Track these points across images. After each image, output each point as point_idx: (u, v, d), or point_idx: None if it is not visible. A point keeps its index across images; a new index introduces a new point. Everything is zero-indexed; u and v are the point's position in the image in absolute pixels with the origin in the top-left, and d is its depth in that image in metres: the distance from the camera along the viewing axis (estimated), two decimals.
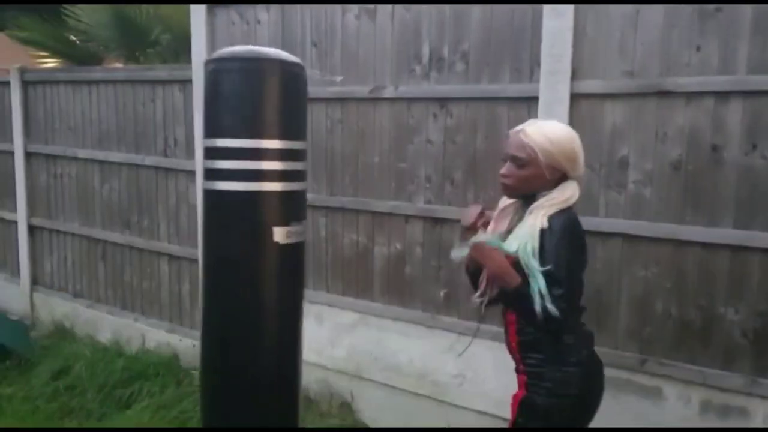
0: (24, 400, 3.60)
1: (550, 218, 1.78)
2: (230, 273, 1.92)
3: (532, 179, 1.84)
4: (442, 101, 2.92)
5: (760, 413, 2.33)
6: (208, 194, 1.93)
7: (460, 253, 1.95)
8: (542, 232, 1.76)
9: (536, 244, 1.75)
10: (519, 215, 1.92)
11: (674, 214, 2.44)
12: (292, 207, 1.92)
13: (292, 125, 1.92)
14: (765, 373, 2.33)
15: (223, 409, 1.98)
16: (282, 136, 1.87)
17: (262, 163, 1.85)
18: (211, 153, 1.90)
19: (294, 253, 1.94)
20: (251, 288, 1.91)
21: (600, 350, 2.58)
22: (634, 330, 2.55)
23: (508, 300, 1.85)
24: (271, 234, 1.86)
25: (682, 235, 2.42)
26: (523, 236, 1.78)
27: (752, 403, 2.35)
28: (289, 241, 1.89)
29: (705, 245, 2.39)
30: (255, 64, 1.86)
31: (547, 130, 1.85)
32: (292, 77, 1.91)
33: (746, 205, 2.31)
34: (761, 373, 2.33)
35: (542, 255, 1.74)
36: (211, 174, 1.90)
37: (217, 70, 1.88)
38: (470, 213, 1.98)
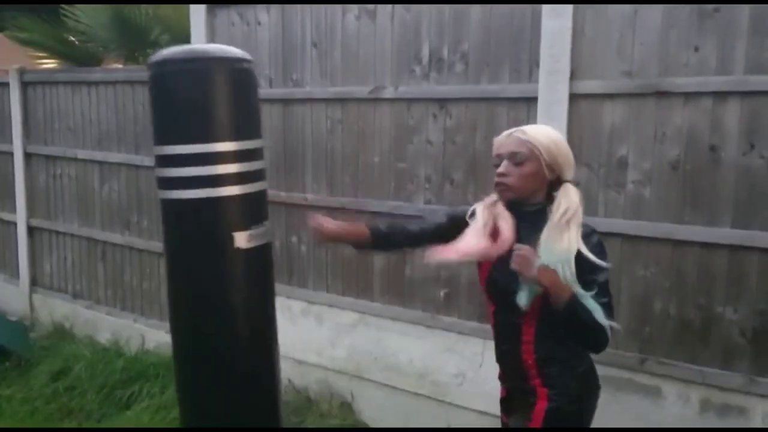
0: (23, 401, 3.60)
1: (584, 238, 1.70)
2: (194, 282, 1.87)
3: (532, 177, 1.75)
4: (442, 101, 2.93)
5: (759, 412, 2.34)
6: (165, 203, 1.86)
7: (528, 297, 1.72)
8: (578, 259, 1.68)
9: (573, 269, 1.66)
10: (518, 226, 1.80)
11: (673, 213, 2.45)
12: (252, 210, 1.86)
13: (245, 124, 1.85)
14: (763, 372, 2.34)
15: (201, 415, 1.95)
16: (235, 137, 1.80)
17: (216, 168, 1.77)
18: (163, 161, 1.82)
19: (259, 255, 1.89)
20: (217, 296, 1.86)
21: None
22: (633, 329, 2.56)
23: (567, 316, 1.67)
24: (232, 240, 1.81)
25: (680, 235, 2.43)
26: (559, 256, 1.67)
27: (751, 402, 2.36)
28: (251, 245, 1.84)
29: (704, 245, 2.40)
30: (199, 64, 1.77)
31: (547, 130, 1.81)
32: (239, 73, 1.83)
33: (745, 204, 2.32)
34: (760, 372, 2.34)
35: (582, 277, 1.67)
36: (164, 183, 1.83)
37: (160, 73, 1.81)
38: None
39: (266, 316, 1.97)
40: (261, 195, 1.90)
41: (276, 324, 2.01)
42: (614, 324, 1.70)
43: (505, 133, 1.82)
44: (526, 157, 1.75)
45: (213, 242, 1.82)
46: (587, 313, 1.66)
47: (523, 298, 1.72)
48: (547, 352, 1.78)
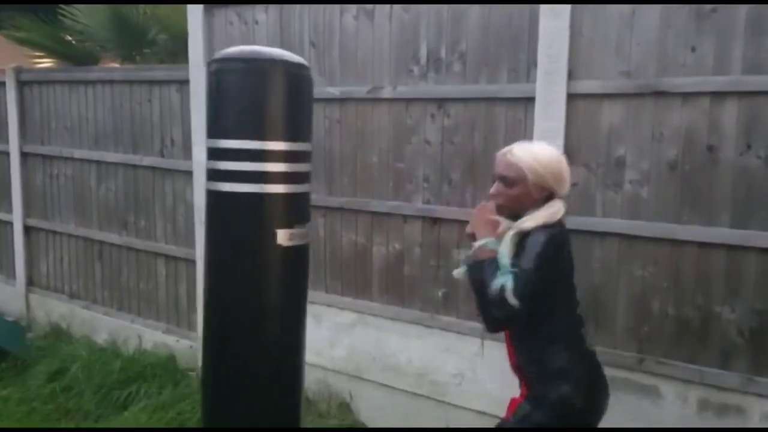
0: (20, 402, 3.59)
1: (532, 230, 1.80)
2: (232, 275, 1.92)
3: (520, 198, 1.87)
4: (440, 101, 2.93)
5: (757, 411, 2.35)
6: (212, 195, 1.92)
7: (461, 272, 1.95)
8: (522, 242, 1.80)
9: (511, 249, 1.80)
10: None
11: (671, 213, 2.46)
12: (295, 209, 1.92)
13: (297, 126, 1.91)
14: (761, 371, 2.34)
15: (225, 411, 1.97)
16: (286, 138, 1.87)
17: (265, 165, 1.84)
18: (214, 154, 1.89)
19: (297, 255, 1.94)
20: (253, 290, 1.91)
21: (598, 349, 2.59)
22: (631, 329, 2.56)
23: (473, 269, 1.85)
24: (274, 236, 1.85)
25: (678, 235, 2.44)
26: (503, 250, 1.81)
27: (749, 402, 2.36)
28: (292, 243, 1.89)
29: (701, 245, 2.41)
30: (259, 65, 1.84)
31: (535, 150, 1.89)
32: (296, 78, 1.90)
33: (742, 204, 2.33)
34: (758, 372, 2.35)
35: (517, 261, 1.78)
36: (214, 175, 1.89)
37: (220, 70, 1.87)
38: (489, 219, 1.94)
39: (297, 316, 2.01)
40: (305, 197, 1.96)
41: (305, 326, 2.05)
42: (511, 300, 1.72)
43: (502, 151, 1.93)
44: (513, 180, 1.87)
45: (256, 236, 1.87)
46: (486, 274, 1.78)
47: (457, 272, 1.96)
48: (526, 358, 1.90)
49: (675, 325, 2.48)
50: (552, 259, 1.79)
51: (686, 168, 2.42)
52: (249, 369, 1.93)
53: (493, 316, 1.77)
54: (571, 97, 2.59)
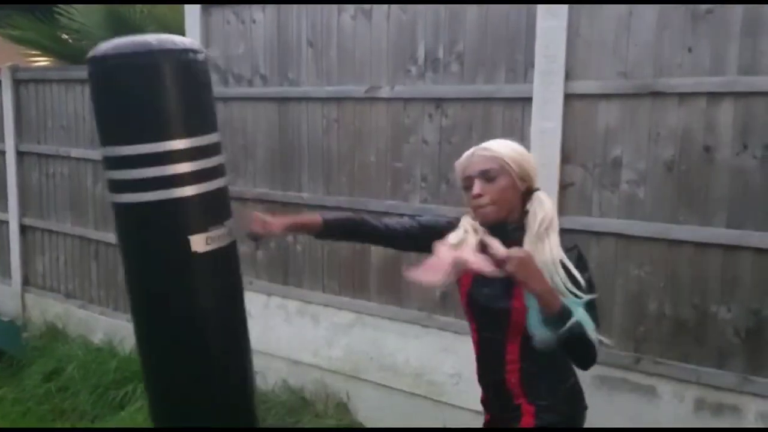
0: (15, 402, 3.58)
1: (566, 252, 1.63)
2: (154, 290, 1.77)
3: (507, 191, 1.67)
4: (438, 101, 2.93)
5: (753, 411, 2.36)
6: (115, 208, 1.75)
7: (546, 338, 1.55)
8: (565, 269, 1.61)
9: (563, 275, 1.59)
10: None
11: (667, 213, 2.46)
12: (210, 209, 1.73)
13: (198, 118, 1.71)
14: (757, 371, 2.35)
15: (176, 422, 1.87)
16: (187, 134, 1.66)
17: (167, 168, 1.64)
18: (109, 163, 1.70)
19: (220, 257, 1.75)
20: (179, 303, 1.75)
21: None
22: (628, 329, 2.57)
23: (574, 328, 1.53)
24: (188, 244, 1.68)
25: (675, 235, 2.45)
26: (544, 266, 1.58)
27: (744, 401, 2.37)
28: (210, 248, 1.71)
29: (698, 245, 2.42)
30: (142, 58, 1.62)
31: (507, 143, 1.73)
32: (189, 65, 1.68)
33: (738, 204, 2.34)
34: (754, 372, 2.36)
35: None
36: (114, 186, 1.71)
37: (100, 69, 1.66)
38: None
39: (235, 319, 1.85)
40: (220, 193, 1.76)
41: (247, 326, 1.91)
42: (603, 338, 1.62)
43: (466, 154, 1.74)
44: (497, 172, 1.67)
45: (168, 247, 1.70)
46: (579, 325, 1.53)
47: (536, 326, 1.55)
48: (532, 370, 1.69)
49: (671, 325, 2.49)
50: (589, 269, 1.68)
51: (683, 168, 2.42)
52: (194, 378, 1.79)
53: (594, 359, 1.61)
54: (568, 98, 2.59)
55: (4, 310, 4.83)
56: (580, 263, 1.66)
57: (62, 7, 5.39)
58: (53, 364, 3.89)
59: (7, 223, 4.86)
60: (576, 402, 1.78)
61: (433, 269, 1.57)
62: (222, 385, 1.84)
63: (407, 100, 3.02)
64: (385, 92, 3.06)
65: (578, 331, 1.53)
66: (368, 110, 3.14)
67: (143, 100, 1.64)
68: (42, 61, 6.01)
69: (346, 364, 3.31)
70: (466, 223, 1.74)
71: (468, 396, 2.95)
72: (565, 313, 1.51)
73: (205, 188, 1.70)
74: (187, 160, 1.66)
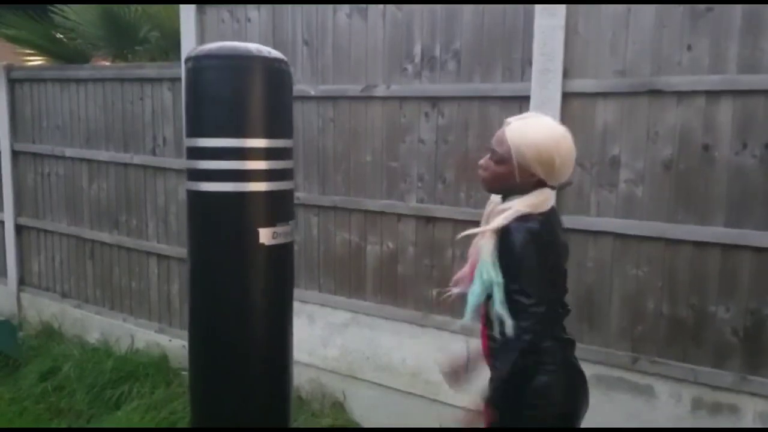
0: (12, 401, 3.56)
1: (508, 227, 1.65)
2: (216, 275, 1.89)
3: (503, 177, 1.72)
4: (434, 100, 2.91)
5: (750, 410, 2.35)
6: (192, 195, 1.89)
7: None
8: (501, 241, 1.66)
9: (490, 271, 1.66)
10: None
11: (665, 212, 2.45)
12: (278, 207, 1.89)
13: (277, 123, 1.88)
14: (755, 370, 2.34)
15: (214, 410, 1.96)
16: (267, 135, 1.83)
17: (246, 163, 1.81)
18: (194, 153, 1.86)
19: (281, 254, 1.91)
20: (237, 290, 1.89)
21: (591, 348, 2.59)
22: (625, 328, 2.56)
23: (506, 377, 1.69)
24: (256, 235, 1.83)
25: (673, 234, 2.44)
26: (483, 254, 1.68)
27: (742, 401, 2.36)
28: (275, 242, 1.86)
29: (696, 244, 2.41)
30: (238, 61, 1.81)
31: (530, 130, 1.69)
32: (276, 74, 1.86)
33: (737, 203, 2.33)
34: (751, 371, 2.35)
35: (505, 269, 1.65)
36: (194, 174, 1.86)
37: (198, 67, 1.83)
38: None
39: (283, 314, 1.99)
40: (287, 194, 1.93)
41: (292, 324, 2.02)
42: (507, 320, 1.64)
43: (506, 120, 1.76)
44: (501, 158, 1.71)
45: (238, 236, 1.84)
46: (500, 381, 1.69)
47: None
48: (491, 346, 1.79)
49: (669, 325, 2.48)
50: (534, 255, 1.64)
51: (681, 167, 2.41)
52: (236, 368, 1.92)
53: (515, 347, 1.65)
54: (566, 96, 2.58)
55: None
56: (518, 241, 1.65)
57: (56, 6, 5.36)
58: (49, 363, 3.87)
59: (2, 222, 4.84)
60: (547, 394, 1.71)
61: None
62: (262, 373, 1.95)
63: (403, 99, 3.00)
64: (380, 91, 3.05)
65: (503, 384, 1.69)
66: (364, 109, 3.12)
67: (231, 99, 1.80)
68: (36, 61, 5.98)
69: (342, 363, 3.29)
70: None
71: (464, 395, 2.94)
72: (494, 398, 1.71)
73: (276, 187, 1.86)
74: (264, 158, 1.82)
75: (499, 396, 1.70)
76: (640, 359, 2.52)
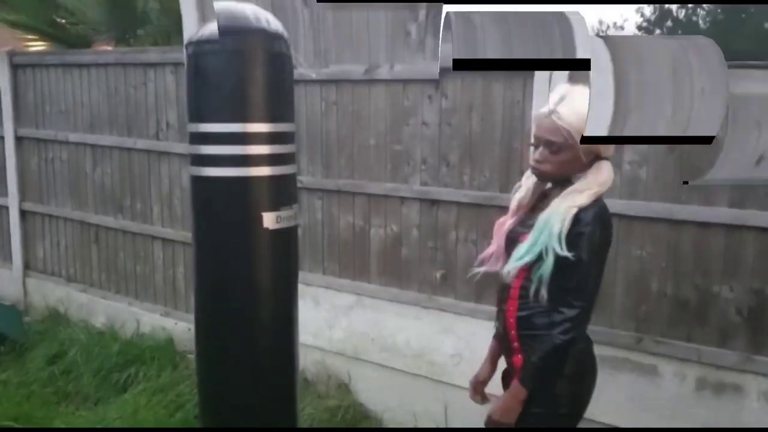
0: (19, 385, 3.59)
1: (583, 208, 1.70)
2: (221, 260, 1.90)
3: (568, 164, 1.74)
4: (437, 82, 2.90)
5: (754, 390, 2.36)
6: (196, 180, 1.90)
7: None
8: (574, 220, 1.69)
9: (565, 229, 1.69)
10: (548, 194, 1.84)
11: (669, 193, 2.45)
12: (281, 191, 1.89)
13: (279, 107, 1.88)
14: (759, 350, 2.35)
15: (221, 393, 1.98)
16: (269, 119, 1.83)
17: (248, 148, 1.81)
18: (196, 138, 1.86)
19: (285, 237, 1.92)
20: (242, 274, 1.90)
21: (596, 329, 2.59)
22: (629, 309, 2.56)
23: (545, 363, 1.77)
24: (260, 220, 1.84)
25: (677, 215, 2.43)
26: (553, 220, 1.70)
27: (746, 380, 2.37)
28: (279, 226, 1.87)
29: (700, 224, 2.40)
30: (237, 44, 1.79)
31: (580, 107, 1.66)
32: (276, 56, 1.85)
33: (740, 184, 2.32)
34: (755, 350, 2.36)
35: (570, 248, 1.69)
36: (197, 160, 1.87)
37: (197, 52, 1.83)
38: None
39: (289, 297, 2.00)
40: (291, 178, 1.94)
41: (297, 307, 2.03)
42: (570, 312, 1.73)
43: (543, 111, 1.77)
44: (561, 146, 1.73)
45: (241, 221, 1.85)
46: (541, 364, 1.76)
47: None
48: (529, 313, 1.80)
49: (673, 305, 2.48)
50: (605, 241, 1.75)
51: (685, 148, 2.40)
52: (243, 351, 1.93)
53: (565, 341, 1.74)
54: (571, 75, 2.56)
55: (5, 294, 4.84)
56: (592, 223, 1.70)
57: None
58: (56, 347, 3.90)
59: (7, 208, 4.85)
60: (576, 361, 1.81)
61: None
62: (268, 356, 1.97)
63: (406, 81, 2.98)
64: (384, 72, 3.03)
65: (542, 367, 1.77)
66: (367, 92, 3.11)
67: (231, 83, 1.79)
68: (39, 46, 5.97)
69: (347, 345, 3.31)
70: (528, 182, 1.88)
71: (468, 376, 2.96)
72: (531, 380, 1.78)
73: (279, 171, 1.86)
74: (266, 143, 1.83)
75: (537, 379, 1.77)
76: (644, 339, 2.53)
